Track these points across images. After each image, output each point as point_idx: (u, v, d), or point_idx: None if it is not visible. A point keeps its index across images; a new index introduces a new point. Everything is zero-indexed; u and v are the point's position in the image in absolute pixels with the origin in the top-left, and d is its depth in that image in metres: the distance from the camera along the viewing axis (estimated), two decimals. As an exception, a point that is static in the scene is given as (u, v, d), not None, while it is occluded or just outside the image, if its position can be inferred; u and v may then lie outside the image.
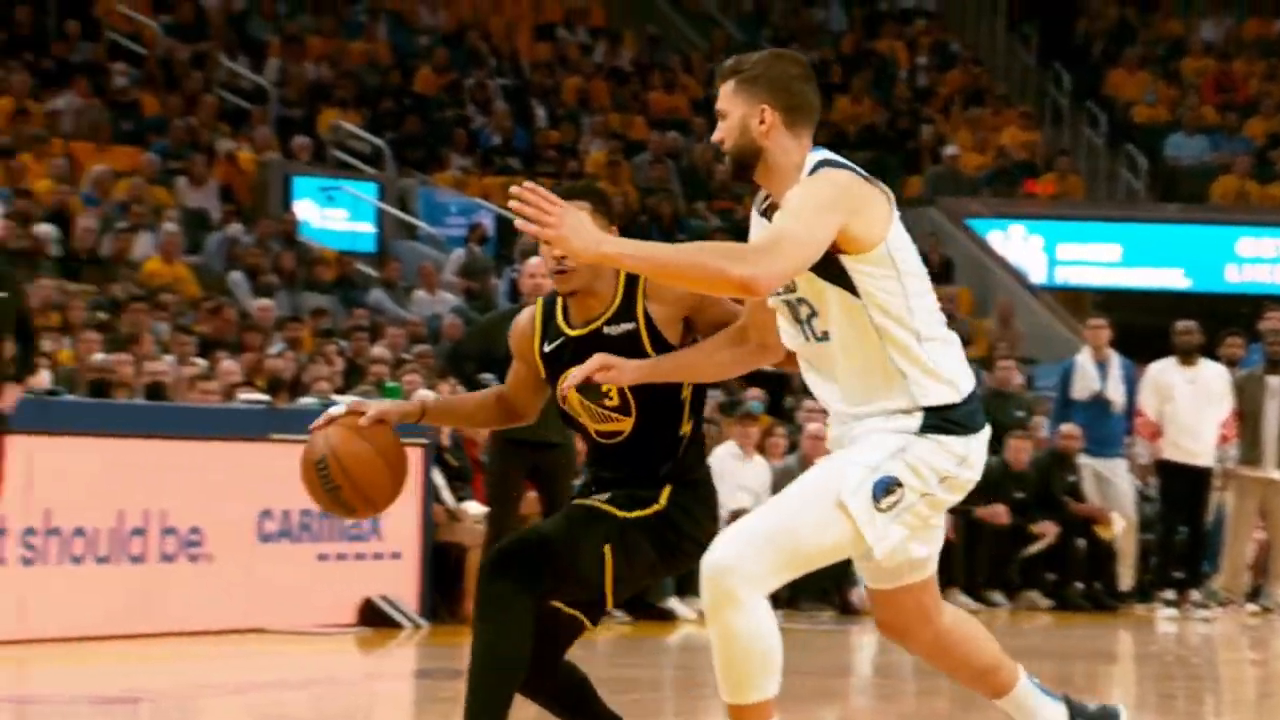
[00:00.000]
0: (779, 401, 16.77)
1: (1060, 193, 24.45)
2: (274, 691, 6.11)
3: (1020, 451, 15.34)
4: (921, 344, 4.72)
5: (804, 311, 4.78)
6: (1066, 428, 15.45)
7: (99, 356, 13.18)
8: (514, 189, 4.47)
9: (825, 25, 26.75)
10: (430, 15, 24.53)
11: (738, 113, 4.74)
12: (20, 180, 17.14)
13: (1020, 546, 15.39)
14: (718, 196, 22.40)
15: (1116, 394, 15.32)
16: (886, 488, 4.65)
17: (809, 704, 9.10)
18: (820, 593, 14.32)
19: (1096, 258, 23.89)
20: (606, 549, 5.08)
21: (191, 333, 14.68)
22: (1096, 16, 27.02)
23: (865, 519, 4.65)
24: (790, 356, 5.02)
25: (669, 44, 25.94)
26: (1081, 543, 15.42)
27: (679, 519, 5.15)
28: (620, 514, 5.10)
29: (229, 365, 13.77)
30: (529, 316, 5.36)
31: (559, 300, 5.29)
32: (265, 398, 12.81)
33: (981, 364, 18.65)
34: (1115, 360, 15.49)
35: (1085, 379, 15.43)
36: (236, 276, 17.50)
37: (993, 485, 15.12)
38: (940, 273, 21.82)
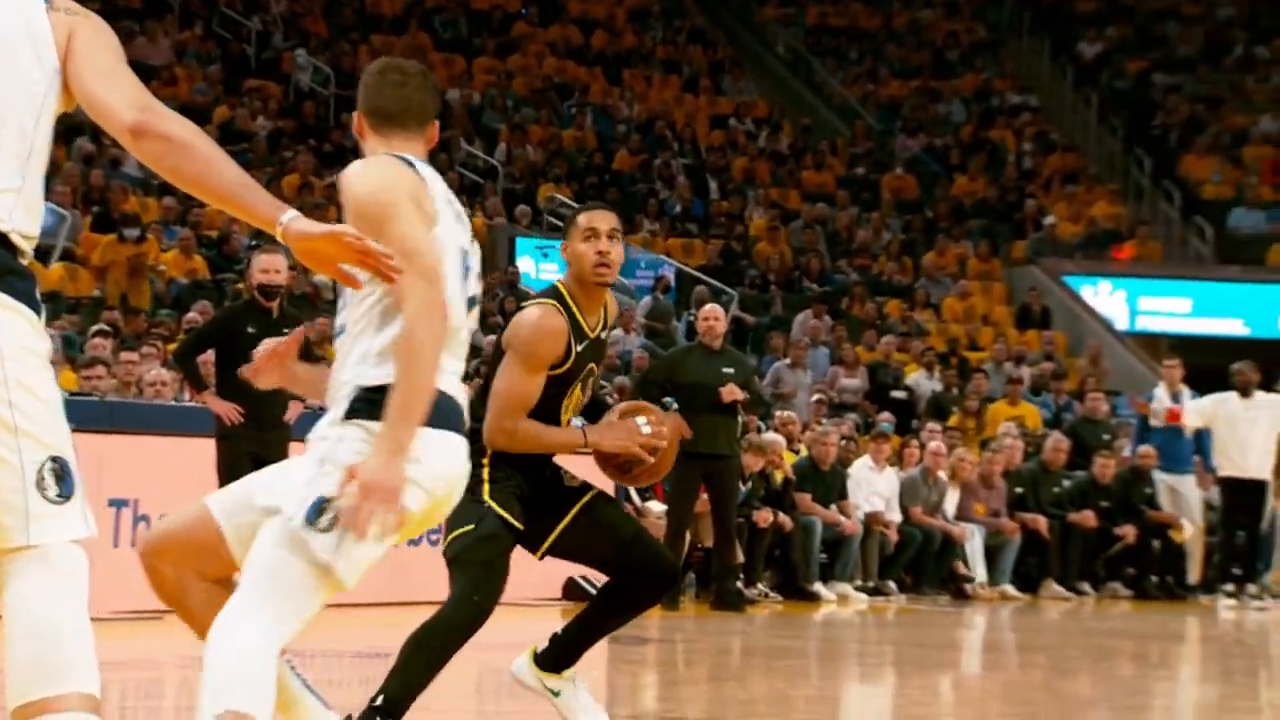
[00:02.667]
0: (907, 423, 16.58)
1: (1141, 255, 24.02)
2: (498, 649, 6.14)
3: (1105, 468, 15.02)
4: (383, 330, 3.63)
5: (340, 306, 3.78)
6: (1144, 449, 15.18)
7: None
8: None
9: (948, 117, 26.47)
10: (627, 108, 24.62)
11: None
12: (303, 239, 17.33)
13: (1105, 546, 15.12)
14: (857, 255, 22.22)
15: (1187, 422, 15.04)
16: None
17: (929, 672, 8.98)
18: (939, 580, 14.21)
19: (1171, 309, 23.50)
20: None
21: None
22: (1172, 110, 26.52)
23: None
24: None
25: (818, 132, 25.81)
26: (1156, 544, 15.14)
27: None
28: None
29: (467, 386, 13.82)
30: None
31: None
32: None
33: (1074, 396, 18.33)
34: (1186, 394, 15.23)
35: (1161, 409, 15.19)
36: (471, 317, 17.60)
37: (1082, 495, 15.05)
38: (1041, 320, 21.54)
